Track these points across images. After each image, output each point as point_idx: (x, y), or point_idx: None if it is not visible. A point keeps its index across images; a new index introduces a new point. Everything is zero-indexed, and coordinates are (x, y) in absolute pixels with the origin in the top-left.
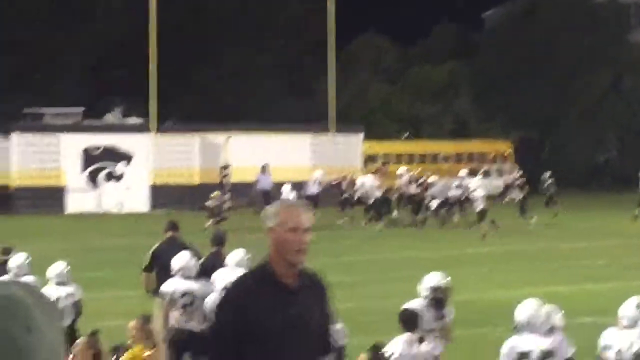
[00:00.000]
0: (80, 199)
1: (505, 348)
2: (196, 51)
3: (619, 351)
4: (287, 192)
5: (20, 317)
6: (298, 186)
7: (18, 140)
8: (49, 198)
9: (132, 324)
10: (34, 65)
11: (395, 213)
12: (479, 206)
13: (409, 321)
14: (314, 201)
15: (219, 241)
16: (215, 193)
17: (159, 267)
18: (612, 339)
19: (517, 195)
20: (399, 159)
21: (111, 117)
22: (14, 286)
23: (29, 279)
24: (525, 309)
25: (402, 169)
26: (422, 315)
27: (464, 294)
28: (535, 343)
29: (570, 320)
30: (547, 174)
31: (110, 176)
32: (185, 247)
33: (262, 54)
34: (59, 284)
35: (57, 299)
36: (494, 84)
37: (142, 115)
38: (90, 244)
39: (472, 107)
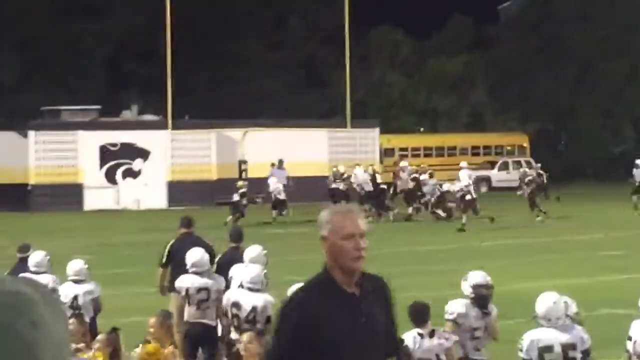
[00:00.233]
0: (98, 196)
1: (525, 342)
2: (212, 47)
3: (636, 342)
4: (274, 184)
5: (27, 313)
6: (316, 180)
7: (36, 138)
8: (67, 195)
9: (153, 320)
10: (51, 63)
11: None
12: (468, 196)
13: (419, 315)
14: (340, 196)
15: (238, 237)
16: (241, 182)
17: (174, 263)
18: (634, 330)
19: (525, 190)
20: (415, 152)
21: (128, 114)
22: (20, 282)
23: (47, 276)
24: (544, 302)
25: (402, 163)
26: (468, 314)
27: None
28: (555, 337)
29: (588, 312)
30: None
31: (127, 173)
32: (199, 243)
33: (278, 49)
34: (78, 281)
35: (76, 296)
36: (509, 76)
37: (159, 112)
38: (108, 240)
39: (488, 99)
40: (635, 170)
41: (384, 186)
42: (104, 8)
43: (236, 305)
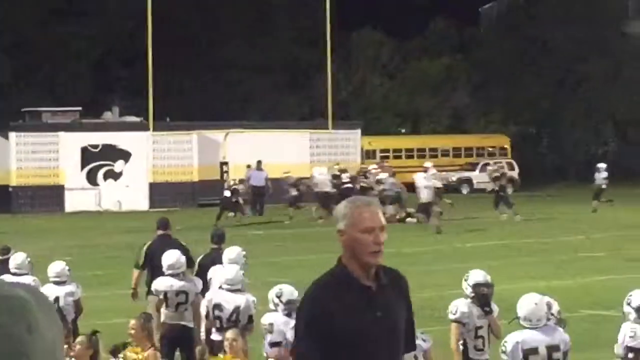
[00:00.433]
0: (80, 198)
1: (509, 344)
2: (193, 49)
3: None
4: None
5: (22, 318)
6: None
7: (17, 140)
8: (48, 197)
9: (133, 322)
10: (33, 64)
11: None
12: (422, 199)
13: None
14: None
15: (219, 238)
16: (232, 181)
17: (152, 266)
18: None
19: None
20: (397, 154)
21: (109, 116)
22: (17, 287)
23: (28, 278)
24: (526, 303)
25: (371, 167)
26: (471, 313)
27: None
28: (540, 338)
29: (568, 313)
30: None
31: (109, 174)
32: (176, 245)
33: (260, 51)
34: (59, 282)
35: (57, 298)
36: (491, 78)
37: (140, 113)
38: (89, 242)
39: (470, 101)
40: (596, 174)
41: (350, 185)
42: (89, 11)
43: (218, 306)
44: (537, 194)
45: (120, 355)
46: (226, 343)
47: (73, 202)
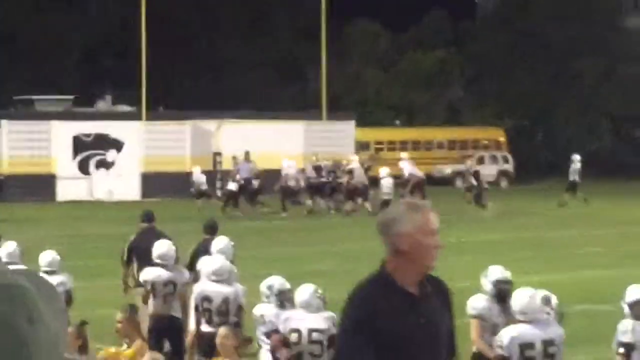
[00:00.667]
0: (71, 187)
1: (505, 338)
2: (187, 38)
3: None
4: (198, 175)
5: (23, 308)
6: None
7: (8, 128)
8: (39, 186)
9: (119, 316)
10: (25, 52)
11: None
12: (384, 196)
13: None
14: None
15: (211, 229)
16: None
17: (138, 258)
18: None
19: (472, 182)
20: (391, 146)
21: (102, 105)
22: (17, 275)
23: (18, 267)
24: (520, 297)
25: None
26: (491, 308)
27: (457, 282)
28: (536, 333)
29: (565, 308)
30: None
31: (100, 164)
32: (161, 237)
33: (254, 41)
34: (50, 272)
35: None
36: (486, 71)
37: (133, 102)
38: (81, 232)
39: (464, 94)
40: (571, 166)
41: (324, 180)
42: (82, 0)
43: (207, 298)
44: (533, 187)
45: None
46: (217, 340)
47: (64, 191)
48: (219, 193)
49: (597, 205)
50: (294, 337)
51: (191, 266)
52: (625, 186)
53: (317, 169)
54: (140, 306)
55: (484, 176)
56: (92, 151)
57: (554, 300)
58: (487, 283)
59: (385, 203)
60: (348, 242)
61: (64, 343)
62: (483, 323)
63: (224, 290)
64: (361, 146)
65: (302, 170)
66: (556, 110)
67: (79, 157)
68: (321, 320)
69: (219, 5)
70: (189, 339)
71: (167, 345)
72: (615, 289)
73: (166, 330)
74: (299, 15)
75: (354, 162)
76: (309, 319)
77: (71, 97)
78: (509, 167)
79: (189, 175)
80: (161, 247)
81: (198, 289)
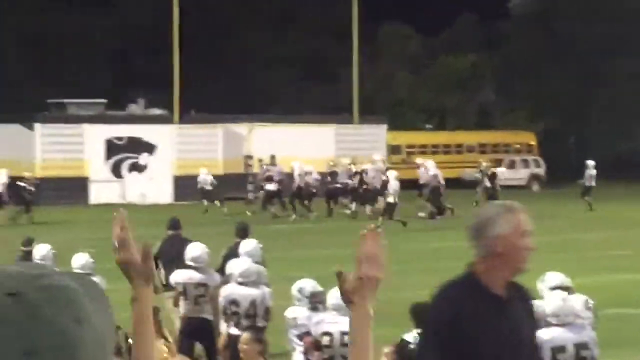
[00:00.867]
0: (104, 190)
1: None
2: (219, 42)
3: None
4: (204, 176)
5: (71, 308)
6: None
7: (42, 131)
8: (72, 189)
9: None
10: (58, 56)
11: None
12: (389, 199)
13: (420, 316)
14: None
15: (243, 232)
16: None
17: (165, 266)
18: None
19: (486, 183)
20: (422, 149)
21: (135, 108)
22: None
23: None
24: (553, 301)
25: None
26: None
27: None
28: (568, 336)
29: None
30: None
31: (133, 167)
32: (186, 244)
33: (287, 44)
34: None
35: None
36: (518, 74)
37: (165, 106)
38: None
39: (496, 97)
40: (586, 172)
41: (339, 185)
42: (113, 3)
43: (234, 302)
44: (565, 190)
45: None
46: (239, 346)
47: (97, 194)
48: (251, 196)
49: (629, 208)
50: (325, 340)
51: (222, 269)
52: None
53: (333, 174)
54: (169, 309)
55: (500, 180)
56: (124, 154)
57: (589, 303)
58: (545, 289)
59: (389, 206)
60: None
61: (110, 343)
62: None
63: (251, 292)
64: (392, 150)
65: (334, 174)
66: (588, 112)
67: (111, 160)
68: None
69: (250, 7)
70: (221, 340)
71: (198, 347)
72: None
73: (197, 332)
74: (332, 16)
75: (369, 164)
76: (341, 321)
77: (104, 100)
78: (541, 170)
79: (221, 178)
80: (194, 250)
81: (225, 292)
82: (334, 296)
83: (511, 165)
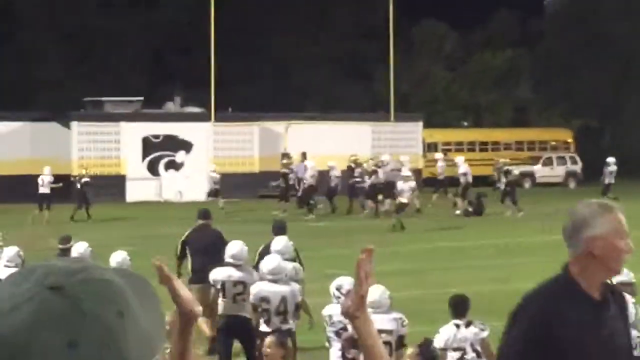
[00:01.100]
0: (141, 188)
1: None
2: (256, 39)
3: None
4: (215, 174)
5: (114, 302)
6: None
7: (78, 129)
8: (109, 187)
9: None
10: (95, 54)
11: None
12: (403, 199)
13: (458, 307)
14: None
15: (279, 230)
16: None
17: (192, 254)
18: None
19: (501, 184)
20: (458, 147)
21: (171, 106)
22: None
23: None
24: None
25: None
26: None
27: (516, 283)
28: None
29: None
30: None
31: (170, 165)
32: (215, 235)
33: (322, 42)
34: None
35: None
36: (554, 71)
37: (202, 104)
38: (150, 232)
39: (532, 94)
40: (605, 169)
41: (358, 179)
42: (150, 1)
43: (265, 299)
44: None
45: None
46: (263, 349)
47: (134, 192)
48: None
49: None
50: None
51: (257, 266)
52: None
53: (351, 169)
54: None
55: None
56: (161, 152)
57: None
58: None
59: (401, 206)
60: (418, 242)
61: (158, 338)
62: None
63: (281, 289)
64: (429, 147)
65: (374, 173)
66: (624, 109)
67: (148, 158)
68: (389, 321)
69: (286, 4)
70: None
71: (236, 345)
72: None
73: (236, 329)
74: (367, 14)
75: (383, 161)
76: (377, 319)
77: (140, 98)
78: (577, 168)
79: (257, 176)
80: (234, 248)
81: (255, 289)
82: (371, 294)
83: (548, 163)
